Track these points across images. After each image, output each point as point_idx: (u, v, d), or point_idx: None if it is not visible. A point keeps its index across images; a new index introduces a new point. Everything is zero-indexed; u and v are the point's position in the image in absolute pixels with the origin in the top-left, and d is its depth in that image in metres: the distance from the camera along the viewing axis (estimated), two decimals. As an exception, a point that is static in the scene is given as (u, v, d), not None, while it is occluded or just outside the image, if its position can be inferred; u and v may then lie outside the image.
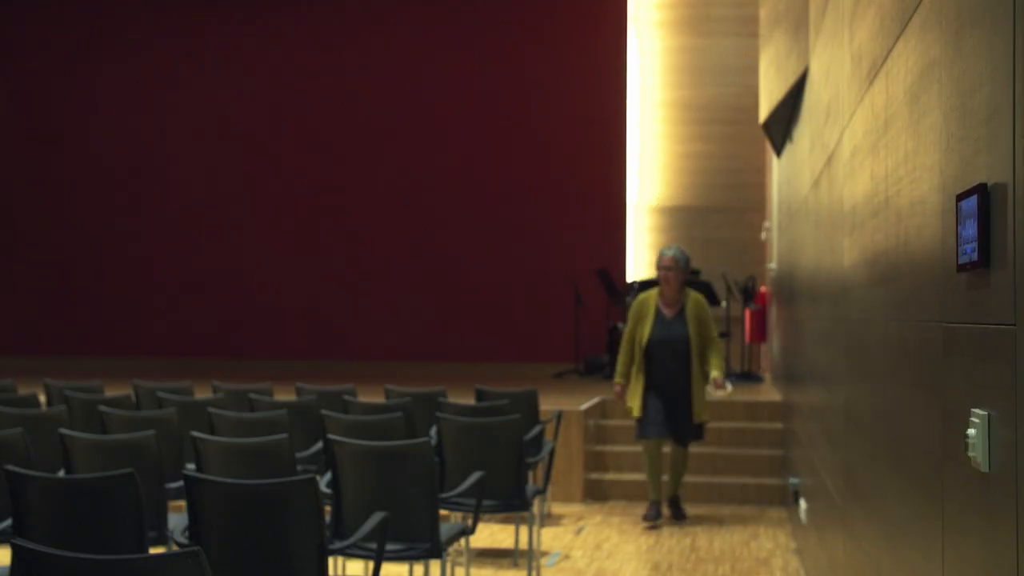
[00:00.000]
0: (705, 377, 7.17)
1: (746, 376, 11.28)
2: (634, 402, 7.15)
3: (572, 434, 8.20)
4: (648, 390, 7.13)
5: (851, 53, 3.76)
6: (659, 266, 7.19)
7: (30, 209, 15.42)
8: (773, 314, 10.51)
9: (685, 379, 7.12)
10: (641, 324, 7.14)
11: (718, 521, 7.50)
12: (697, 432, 7.26)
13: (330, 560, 4.74)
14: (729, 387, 7.27)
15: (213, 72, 14.97)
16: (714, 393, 7.19)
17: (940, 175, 2.16)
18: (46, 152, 15.39)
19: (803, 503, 6.01)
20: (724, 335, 11.70)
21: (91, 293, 15.19)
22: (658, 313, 7.15)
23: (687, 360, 7.11)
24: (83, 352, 14.68)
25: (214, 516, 3.52)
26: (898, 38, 2.71)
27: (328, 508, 4.36)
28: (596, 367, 12.16)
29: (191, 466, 4.78)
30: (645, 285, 11.27)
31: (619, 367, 7.26)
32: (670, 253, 7.17)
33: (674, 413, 7.13)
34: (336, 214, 14.55)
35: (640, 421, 7.20)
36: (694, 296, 7.23)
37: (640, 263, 13.62)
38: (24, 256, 15.43)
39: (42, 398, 7.41)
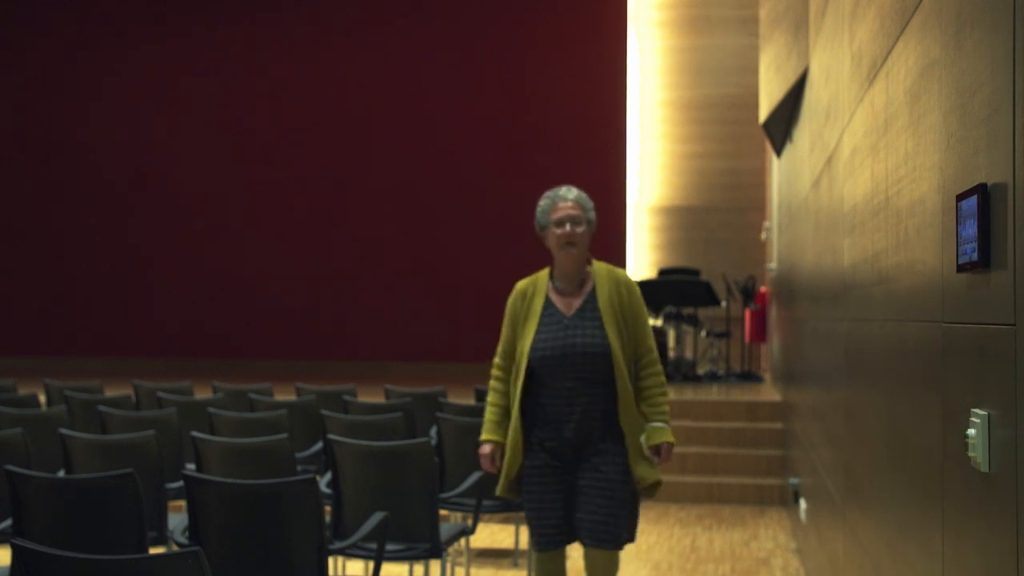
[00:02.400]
0: (638, 422, 3.95)
1: (746, 376, 11.28)
2: (507, 473, 4.00)
3: (572, 434, 8.20)
4: (532, 454, 3.96)
5: (851, 53, 3.76)
6: (555, 218, 4.00)
7: (30, 210, 15.43)
8: (773, 314, 10.52)
9: (602, 425, 3.91)
10: (522, 330, 4.01)
11: (718, 521, 7.50)
12: (631, 522, 3.97)
13: (330, 560, 4.74)
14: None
15: (213, 73, 14.97)
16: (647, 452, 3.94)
17: (940, 175, 2.16)
18: (46, 153, 15.39)
19: (803, 503, 6.01)
20: (724, 335, 11.70)
21: (92, 293, 15.19)
22: (548, 307, 3.99)
23: (607, 392, 3.91)
24: (83, 352, 14.68)
25: (214, 516, 3.52)
26: (898, 38, 2.71)
27: (328, 508, 4.36)
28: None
29: (191, 466, 4.78)
30: (645, 286, 11.28)
31: (488, 411, 4.07)
32: (572, 195, 4.04)
33: (583, 495, 3.89)
34: (336, 214, 14.55)
35: (527, 519, 4.01)
36: (608, 272, 4.04)
37: (640, 263, 13.62)
38: (24, 256, 15.43)
39: (42, 398, 7.41)
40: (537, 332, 3.94)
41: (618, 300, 3.95)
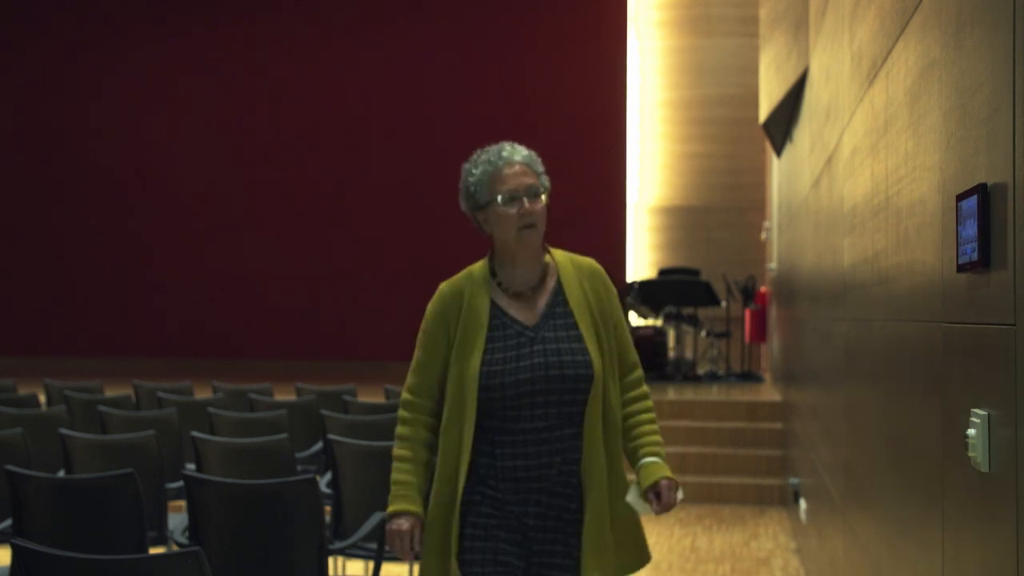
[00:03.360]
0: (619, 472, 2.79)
1: (746, 376, 11.28)
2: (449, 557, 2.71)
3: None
4: (473, 510, 2.72)
5: (851, 53, 3.76)
6: (504, 190, 2.74)
7: (30, 210, 15.42)
8: (773, 314, 10.52)
9: (575, 487, 2.71)
10: (460, 350, 2.77)
11: (718, 521, 7.50)
12: None
13: (330, 560, 4.74)
14: (680, 493, 2.76)
15: (213, 73, 14.97)
16: (642, 507, 2.74)
17: (940, 175, 2.16)
18: (46, 152, 15.39)
19: (803, 503, 6.01)
20: (724, 335, 11.70)
21: (91, 293, 15.19)
22: (497, 316, 2.79)
23: (580, 431, 2.71)
24: (83, 352, 14.68)
25: (214, 516, 3.52)
26: (898, 38, 2.71)
27: (328, 508, 4.36)
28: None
29: (191, 466, 4.78)
30: (645, 286, 11.28)
31: (398, 470, 2.81)
32: (519, 155, 2.79)
33: None
34: (336, 214, 14.55)
35: None
36: (572, 261, 2.87)
37: (640, 263, 13.62)
38: (24, 256, 15.42)
39: (42, 398, 7.41)
40: (487, 352, 2.70)
41: (594, 299, 2.80)
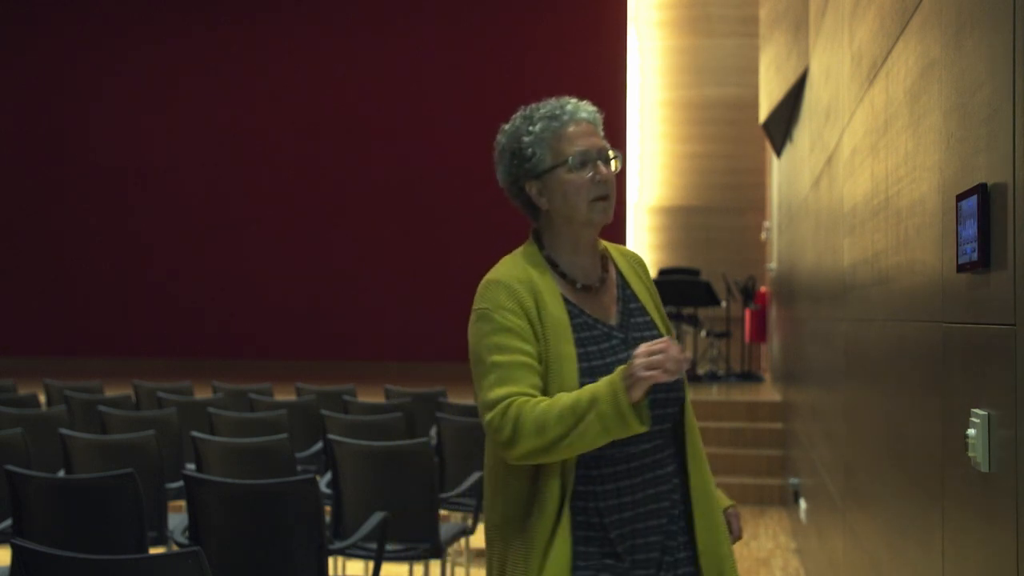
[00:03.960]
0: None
1: (746, 376, 11.28)
2: None
3: (572, 434, 8.18)
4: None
5: (851, 53, 3.76)
6: (577, 151, 2.17)
7: (30, 210, 15.42)
8: (773, 314, 10.52)
9: (684, 509, 2.22)
10: (553, 346, 2.11)
11: (718, 521, 7.49)
12: None
13: (330, 560, 4.74)
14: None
15: (213, 73, 14.97)
16: None
17: (940, 175, 2.16)
18: (46, 153, 15.39)
19: (803, 503, 6.01)
20: (724, 335, 11.71)
21: (91, 293, 15.19)
22: (577, 315, 2.18)
23: (680, 456, 2.27)
24: (83, 352, 14.68)
25: (214, 516, 3.52)
26: (898, 38, 2.71)
27: (328, 508, 4.36)
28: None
29: (191, 466, 4.78)
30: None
31: (558, 404, 2.02)
32: (585, 112, 2.24)
33: None
34: (336, 214, 14.55)
35: None
36: (617, 250, 2.37)
37: (640, 263, 13.61)
38: (24, 256, 15.42)
39: (42, 398, 7.41)
40: (580, 358, 2.14)
41: (653, 290, 2.36)
